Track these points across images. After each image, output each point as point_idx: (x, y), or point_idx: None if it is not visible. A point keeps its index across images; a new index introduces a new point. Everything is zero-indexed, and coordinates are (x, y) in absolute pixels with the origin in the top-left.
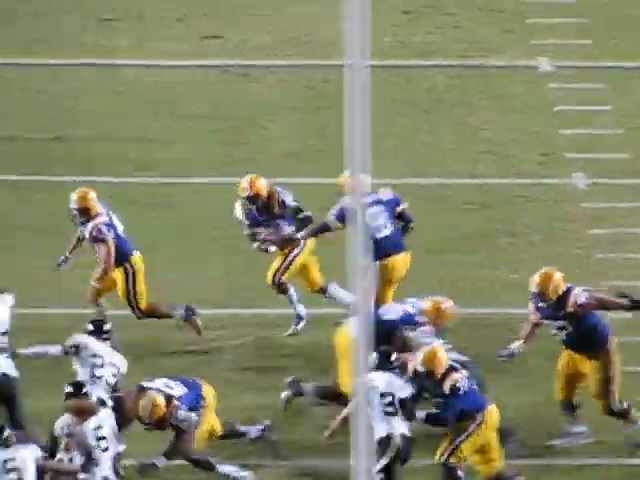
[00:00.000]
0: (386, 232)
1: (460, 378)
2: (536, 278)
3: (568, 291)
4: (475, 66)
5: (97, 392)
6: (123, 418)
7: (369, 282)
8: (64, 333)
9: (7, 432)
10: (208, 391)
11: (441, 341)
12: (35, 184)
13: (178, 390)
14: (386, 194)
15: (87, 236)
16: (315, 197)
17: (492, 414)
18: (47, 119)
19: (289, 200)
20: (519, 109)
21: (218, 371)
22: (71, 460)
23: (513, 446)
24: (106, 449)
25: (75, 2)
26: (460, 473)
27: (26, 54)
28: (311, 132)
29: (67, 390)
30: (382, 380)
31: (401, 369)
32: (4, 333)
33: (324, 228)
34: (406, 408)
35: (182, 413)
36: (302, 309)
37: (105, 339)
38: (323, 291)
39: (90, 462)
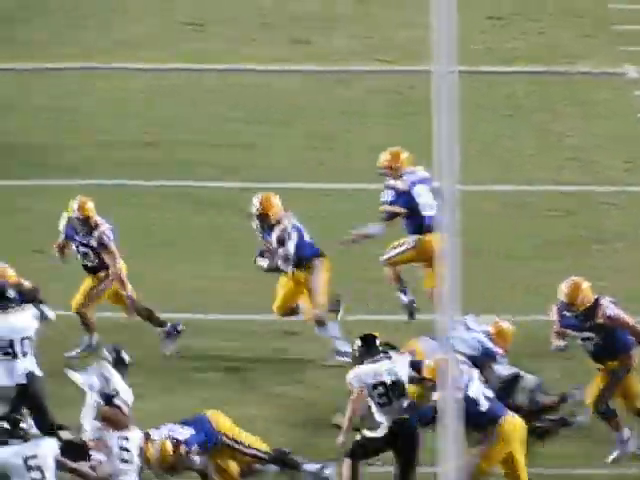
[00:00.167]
0: (432, 211)
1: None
2: (564, 287)
3: (597, 302)
4: (560, 72)
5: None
6: None
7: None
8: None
9: (25, 424)
10: (217, 419)
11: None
12: (128, 188)
13: (184, 433)
14: (426, 174)
15: (93, 244)
16: None
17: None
18: (136, 124)
19: (291, 243)
20: (604, 116)
21: None
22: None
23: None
24: (127, 461)
25: (164, 6)
26: None
27: (123, 58)
28: (399, 138)
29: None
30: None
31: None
32: (27, 338)
33: (392, 216)
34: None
35: (193, 456)
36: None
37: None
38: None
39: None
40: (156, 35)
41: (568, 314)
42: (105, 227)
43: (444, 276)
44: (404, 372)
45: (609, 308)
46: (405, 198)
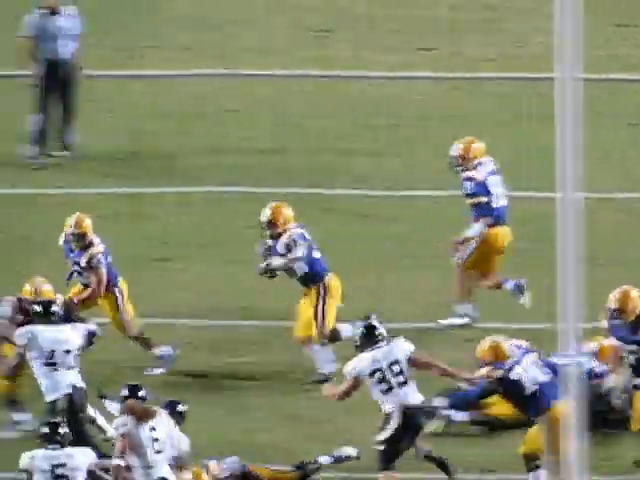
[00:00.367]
0: (504, 202)
1: None
2: (615, 295)
3: None
4: None
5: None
6: None
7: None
8: None
9: (64, 430)
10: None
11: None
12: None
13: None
14: (494, 165)
15: (82, 263)
16: (529, 210)
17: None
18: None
19: (299, 249)
20: None
21: None
22: (129, 469)
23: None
24: (159, 451)
25: (293, 14)
26: None
27: (244, 65)
28: (523, 145)
29: (123, 393)
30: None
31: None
32: (68, 351)
33: (480, 208)
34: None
35: None
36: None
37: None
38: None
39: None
40: (280, 42)
41: (617, 323)
42: (99, 249)
43: (565, 285)
44: (402, 355)
45: None
46: (482, 187)
